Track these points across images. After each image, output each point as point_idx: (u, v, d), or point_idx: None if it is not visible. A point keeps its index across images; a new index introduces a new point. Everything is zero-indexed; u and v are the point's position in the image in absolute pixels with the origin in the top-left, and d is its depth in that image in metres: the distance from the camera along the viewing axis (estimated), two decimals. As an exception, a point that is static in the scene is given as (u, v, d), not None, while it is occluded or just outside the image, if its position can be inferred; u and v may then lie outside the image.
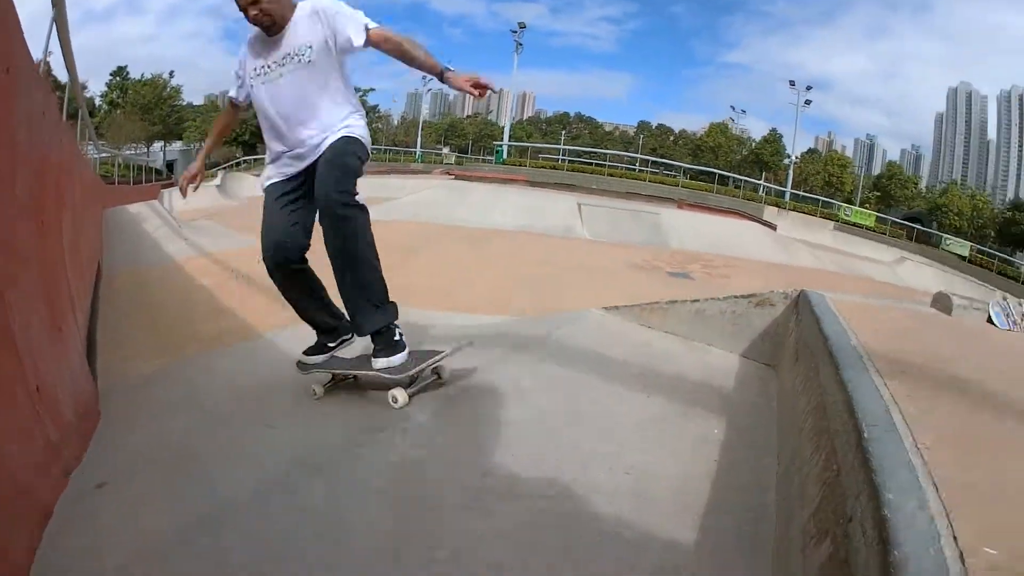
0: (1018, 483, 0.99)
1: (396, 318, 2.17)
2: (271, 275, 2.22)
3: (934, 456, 0.98)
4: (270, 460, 1.78)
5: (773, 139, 60.84)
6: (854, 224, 33.05)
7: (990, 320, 3.69)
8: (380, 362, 2.09)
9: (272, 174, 2.25)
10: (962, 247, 34.69)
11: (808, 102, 44.83)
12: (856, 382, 1.31)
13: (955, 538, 0.77)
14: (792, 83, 45.28)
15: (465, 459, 1.73)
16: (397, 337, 2.13)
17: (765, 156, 58.85)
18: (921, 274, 21.92)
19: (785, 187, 40.71)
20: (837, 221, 32.46)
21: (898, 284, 13.28)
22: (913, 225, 37.22)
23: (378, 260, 2.14)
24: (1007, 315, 3.84)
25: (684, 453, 1.75)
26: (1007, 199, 62.97)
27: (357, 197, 2.09)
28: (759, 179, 48.87)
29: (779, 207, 31.79)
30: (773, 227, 20.28)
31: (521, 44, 45.83)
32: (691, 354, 2.68)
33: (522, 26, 46.00)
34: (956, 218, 52.30)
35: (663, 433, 1.91)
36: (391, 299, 2.18)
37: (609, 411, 2.09)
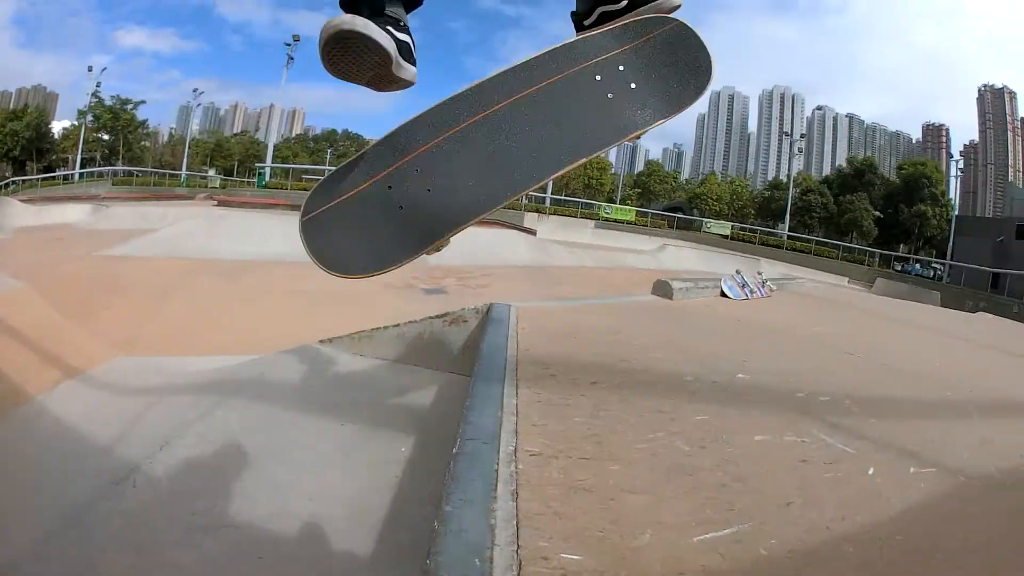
0: (613, 487, 1.07)
1: None
2: None
3: (529, 466, 1.07)
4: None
5: None
6: (615, 220, 36.57)
7: (723, 294, 4.31)
8: None
9: None
10: (722, 228, 39.77)
11: None
12: (481, 395, 1.45)
13: (518, 547, 0.82)
14: None
15: (179, 500, 1.84)
16: None
17: None
18: (682, 257, 24.18)
19: (546, 193, 42.17)
20: (598, 220, 35.66)
21: (657, 268, 14.77)
22: (674, 215, 42.65)
23: None
24: (742, 286, 4.56)
25: (365, 474, 1.92)
26: (767, 182, 72.11)
27: None
28: None
29: (540, 212, 33.62)
30: (533, 232, 21.47)
31: (292, 58, 43.26)
32: (395, 377, 2.80)
33: (296, 39, 43.45)
34: (715, 203, 60.60)
35: (348, 458, 2.06)
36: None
37: (305, 443, 2.20)
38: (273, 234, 13.04)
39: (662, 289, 3.69)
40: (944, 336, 4.93)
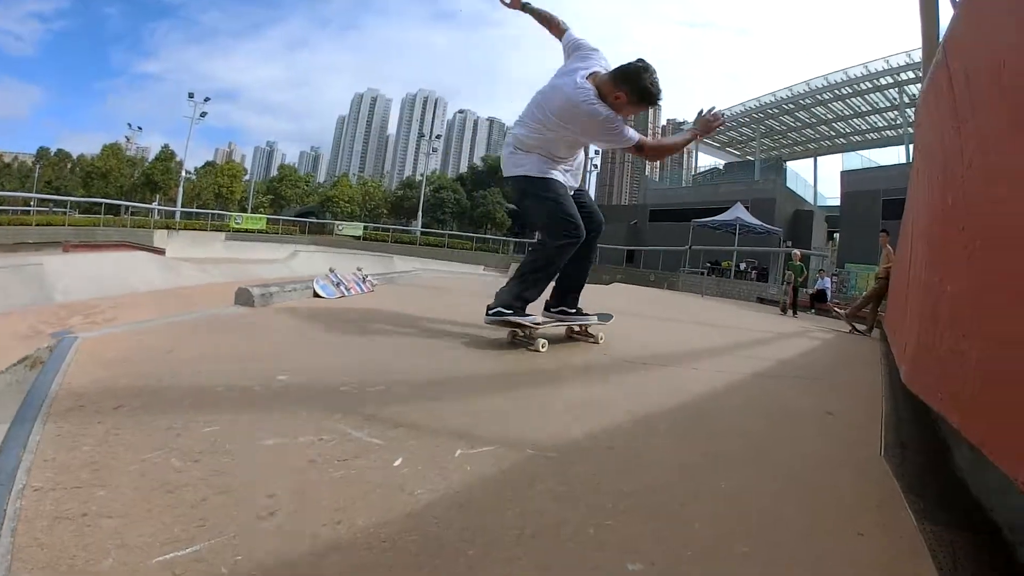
0: (95, 513, 1.02)
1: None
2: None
3: (31, 501, 1.04)
4: None
5: (166, 157, 56.62)
6: (246, 230, 33.61)
7: (316, 294, 4.10)
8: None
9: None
10: (355, 229, 39.62)
11: (204, 114, 41.79)
12: (13, 436, 1.34)
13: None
14: (191, 95, 41.59)
15: None
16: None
17: (157, 176, 54.88)
18: (314, 261, 22.99)
19: (177, 207, 39.05)
20: (229, 231, 32.56)
21: (290, 276, 13.38)
22: (306, 220, 41.89)
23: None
24: (336, 284, 4.36)
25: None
26: (402, 181, 71.97)
27: None
28: (152, 202, 46.99)
29: (170, 228, 29.75)
30: (162, 251, 19.51)
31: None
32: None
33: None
34: (348, 205, 59.72)
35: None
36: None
37: None
38: None
39: (243, 297, 3.43)
40: None
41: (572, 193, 2.98)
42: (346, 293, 4.45)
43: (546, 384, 2.40)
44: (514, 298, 2.86)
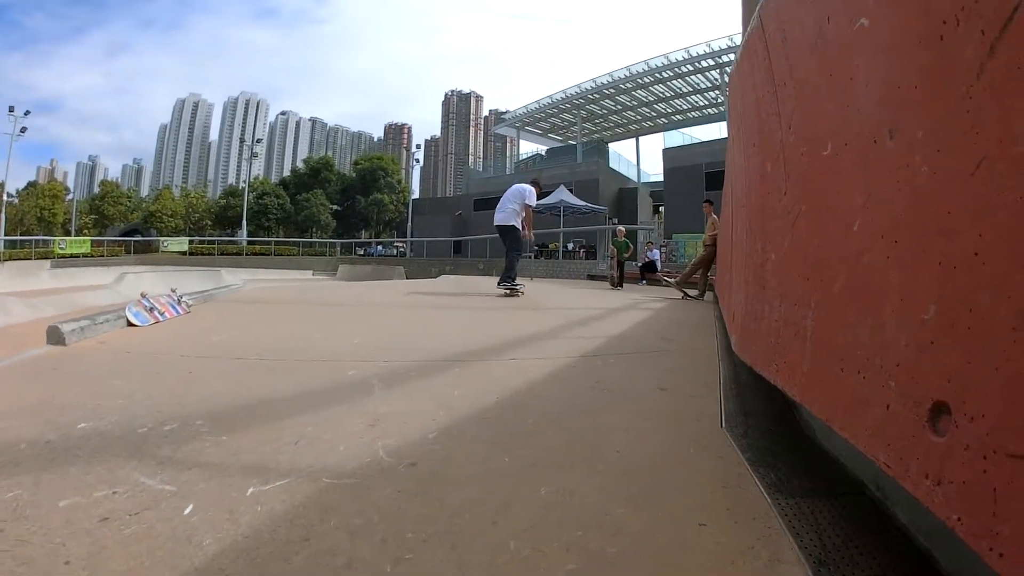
0: None
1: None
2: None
3: None
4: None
5: None
6: (71, 255, 31.50)
7: (130, 323, 3.81)
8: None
9: None
10: (180, 244, 37.82)
11: (24, 130, 37.71)
12: None
13: None
14: (11, 109, 37.33)
15: None
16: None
17: None
18: (142, 283, 21.21)
19: None
20: (55, 257, 30.26)
21: (121, 303, 11.96)
22: (130, 239, 39.07)
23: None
24: (149, 309, 4.07)
25: None
26: (226, 189, 67.46)
27: None
28: None
29: None
30: None
31: None
32: None
33: None
34: (172, 219, 56.50)
35: None
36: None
37: None
38: None
39: (54, 336, 3.19)
40: (387, 307, 5.78)
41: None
42: (160, 318, 4.21)
43: (348, 399, 2.18)
44: (511, 279, 7.12)
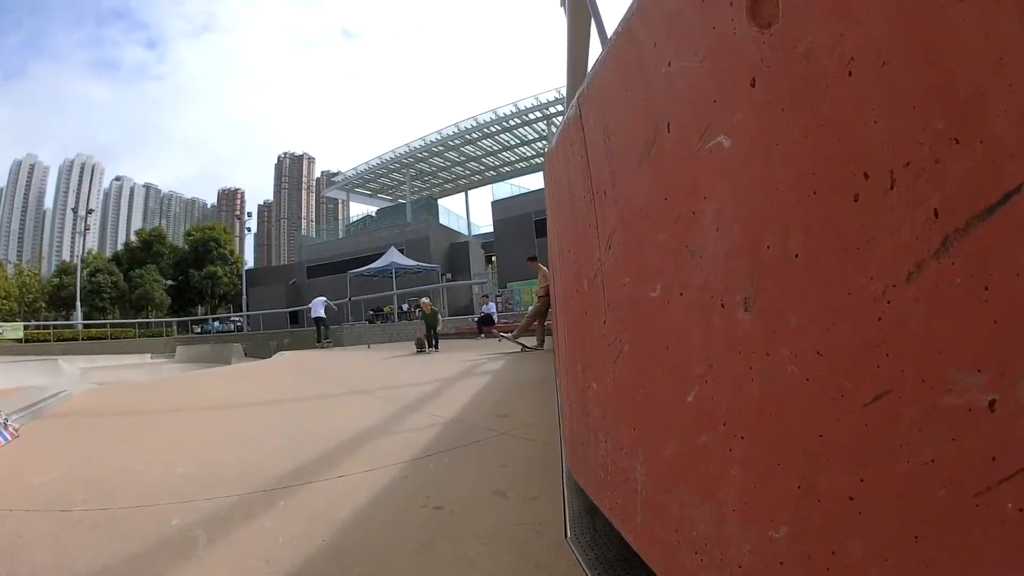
0: None
1: None
2: None
3: None
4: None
5: None
6: None
7: None
8: None
9: None
10: (16, 330, 34.00)
11: None
12: None
13: None
14: None
15: None
16: None
17: None
18: None
19: None
20: None
21: None
22: None
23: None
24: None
25: None
26: (59, 266, 60.55)
27: None
28: None
29: None
30: None
31: None
32: None
33: None
34: (6, 301, 49.70)
35: None
36: None
37: None
38: None
39: None
40: (216, 409, 5.24)
41: None
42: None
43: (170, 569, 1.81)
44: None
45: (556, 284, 2.59)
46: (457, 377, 5.93)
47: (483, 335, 13.32)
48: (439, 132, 38.05)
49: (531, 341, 8.84)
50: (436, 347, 11.21)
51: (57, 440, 3.97)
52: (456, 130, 37.41)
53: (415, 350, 10.96)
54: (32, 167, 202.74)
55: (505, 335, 9.81)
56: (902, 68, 0.55)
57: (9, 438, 3.71)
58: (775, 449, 0.71)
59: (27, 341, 32.44)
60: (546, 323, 8.91)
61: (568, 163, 1.93)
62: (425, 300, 12.33)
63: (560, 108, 32.34)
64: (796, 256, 0.70)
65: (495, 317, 15.10)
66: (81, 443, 3.87)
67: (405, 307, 26.84)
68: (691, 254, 0.94)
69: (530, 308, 11.23)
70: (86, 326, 37.90)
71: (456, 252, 36.00)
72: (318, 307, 16.87)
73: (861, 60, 0.60)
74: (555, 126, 34.52)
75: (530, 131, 37.21)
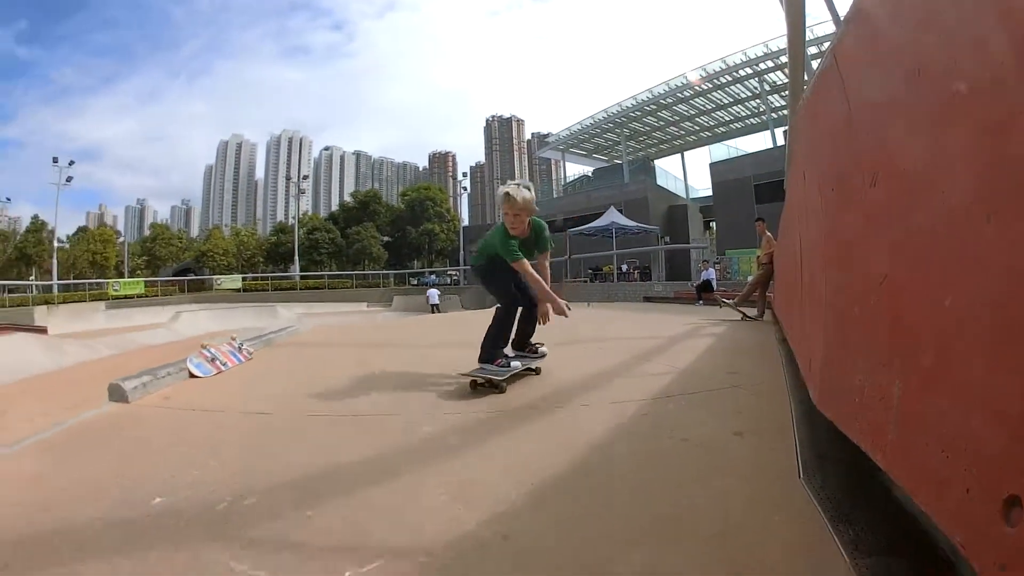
0: None
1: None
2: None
3: None
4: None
5: (37, 228, 53.17)
6: (126, 296, 32.64)
7: (192, 374, 3.85)
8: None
9: None
10: (234, 281, 39.01)
11: (70, 179, 39.54)
12: None
13: None
14: (55, 160, 39.24)
15: None
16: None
17: (29, 248, 51.14)
18: (198, 321, 22.63)
19: (53, 279, 37.31)
20: (109, 299, 31.49)
21: (176, 340, 11.75)
22: (183, 278, 40.93)
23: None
24: (211, 360, 4.15)
25: None
26: (274, 226, 69.45)
27: None
28: (28, 276, 45.66)
29: (49, 304, 27.98)
30: (44, 330, 17.59)
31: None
32: None
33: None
34: (224, 258, 58.25)
35: None
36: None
37: None
38: None
39: (117, 394, 3.08)
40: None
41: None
42: (223, 367, 4.23)
43: (429, 461, 2.14)
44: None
45: (812, 225, 2.62)
46: (682, 336, 6.04)
47: (701, 301, 13.00)
48: (650, 91, 37.02)
49: (751, 311, 8.47)
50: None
51: (290, 363, 4.81)
52: (667, 88, 36.06)
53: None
54: (239, 145, 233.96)
55: (727, 302, 9.52)
56: None
57: (244, 359, 4.61)
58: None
59: (245, 291, 36.90)
60: (767, 294, 8.47)
61: (828, 105, 2.03)
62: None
63: (770, 63, 30.54)
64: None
65: (714, 283, 14.59)
66: (316, 366, 4.65)
67: (624, 268, 26.83)
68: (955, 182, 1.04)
69: (749, 277, 10.62)
70: (303, 277, 41.63)
71: (674, 215, 34.97)
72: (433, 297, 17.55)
73: None
74: (767, 83, 32.14)
75: (742, 89, 34.72)
